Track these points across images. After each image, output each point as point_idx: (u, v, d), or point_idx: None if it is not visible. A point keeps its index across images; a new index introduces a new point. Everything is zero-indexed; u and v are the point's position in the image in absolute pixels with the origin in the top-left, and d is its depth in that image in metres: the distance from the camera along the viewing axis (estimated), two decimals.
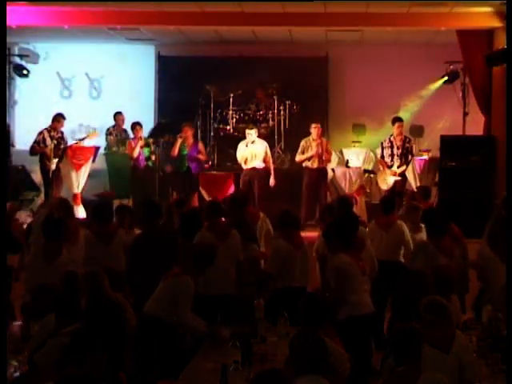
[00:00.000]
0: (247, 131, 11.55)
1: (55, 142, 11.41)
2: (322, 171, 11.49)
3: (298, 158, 11.51)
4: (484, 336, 5.00)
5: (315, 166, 11.37)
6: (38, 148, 11.40)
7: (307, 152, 11.37)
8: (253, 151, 11.37)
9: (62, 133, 11.68)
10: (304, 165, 11.46)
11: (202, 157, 11.62)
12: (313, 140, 11.36)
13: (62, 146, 11.49)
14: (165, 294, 5.60)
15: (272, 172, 11.44)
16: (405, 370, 3.98)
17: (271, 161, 11.54)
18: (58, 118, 11.55)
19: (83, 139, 11.92)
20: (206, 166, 12.15)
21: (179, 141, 11.43)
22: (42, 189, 11.62)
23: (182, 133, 11.44)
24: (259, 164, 11.35)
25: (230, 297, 6.42)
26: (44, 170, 11.39)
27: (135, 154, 11.53)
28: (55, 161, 11.32)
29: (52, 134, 11.47)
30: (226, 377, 4.22)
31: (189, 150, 11.48)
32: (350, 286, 5.81)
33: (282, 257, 6.58)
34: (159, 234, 6.91)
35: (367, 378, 5.35)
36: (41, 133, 11.46)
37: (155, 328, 5.47)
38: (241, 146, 11.49)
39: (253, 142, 11.38)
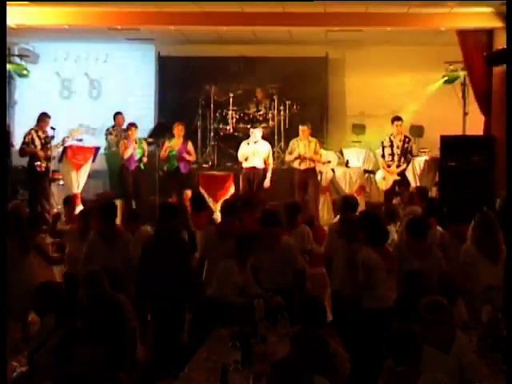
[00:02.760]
0: (251, 130, 11.64)
1: (43, 141, 11.27)
2: (310, 172, 11.46)
3: (287, 158, 11.64)
4: (484, 336, 4.99)
5: (303, 166, 11.38)
6: (27, 149, 11.10)
7: (294, 152, 11.40)
8: (255, 150, 11.39)
9: (48, 132, 11.35)
10: (293, 165, 11.49)
11: (189, 157, 11.58)
12: (300, 141, 11.38)
13: (49, 146, 11.33)
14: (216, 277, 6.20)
15: (269, 174, 11.44)
16: (405, 370, 3.98)
17: (271, 163, 11.56)
18: (44, 118, 11.29)
19: (68, 138, 11.68)
20: (194, 166, 12.09)
21: (166, 143, 11.47)
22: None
23: (176, 130, 11.44)
24: (259, 164, 11.37)
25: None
26: (31, 170, 11.10)
27: (127, 154, 11.46)
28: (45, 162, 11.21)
29: (39, 133, 11.24)
30: (226, 377, 4.22)
31: (178, 150, 11.49)
32: (372, 280, 5.93)
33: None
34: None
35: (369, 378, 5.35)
36: (29, 133, 11.17)
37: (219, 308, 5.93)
38: (243, 144, 11.55)
39: (255, 142, 11.41)
